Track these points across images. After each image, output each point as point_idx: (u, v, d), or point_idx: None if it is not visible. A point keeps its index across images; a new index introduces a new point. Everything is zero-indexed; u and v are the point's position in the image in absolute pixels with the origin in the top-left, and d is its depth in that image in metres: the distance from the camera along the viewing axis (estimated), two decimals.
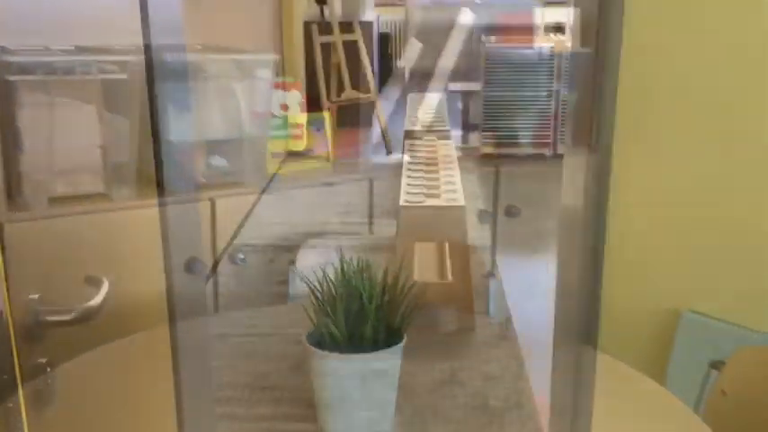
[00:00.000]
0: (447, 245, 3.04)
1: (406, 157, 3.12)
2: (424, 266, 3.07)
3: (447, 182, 2.82)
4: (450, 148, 3.30)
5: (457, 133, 5.36)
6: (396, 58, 7.62)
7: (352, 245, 3.51)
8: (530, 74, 5.04)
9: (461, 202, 2.63)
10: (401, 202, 2.63)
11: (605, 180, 1.90)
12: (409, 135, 3.67)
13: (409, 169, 2.96)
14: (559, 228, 2.47)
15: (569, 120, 2.36)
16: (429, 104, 4.33)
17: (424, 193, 2.68)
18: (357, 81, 5.36)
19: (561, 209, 2.45)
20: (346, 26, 5.59)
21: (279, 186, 4.25)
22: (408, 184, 2.79)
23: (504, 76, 5.02)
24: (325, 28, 5.39)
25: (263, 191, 4.12)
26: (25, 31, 2.81)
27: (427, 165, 3.02)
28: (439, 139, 3.49)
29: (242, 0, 3.99)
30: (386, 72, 7.41)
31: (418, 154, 3.15)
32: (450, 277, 2.93)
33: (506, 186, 5.07)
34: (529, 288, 3.36)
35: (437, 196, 2.66)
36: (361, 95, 5.30)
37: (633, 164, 1.75)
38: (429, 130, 3.69)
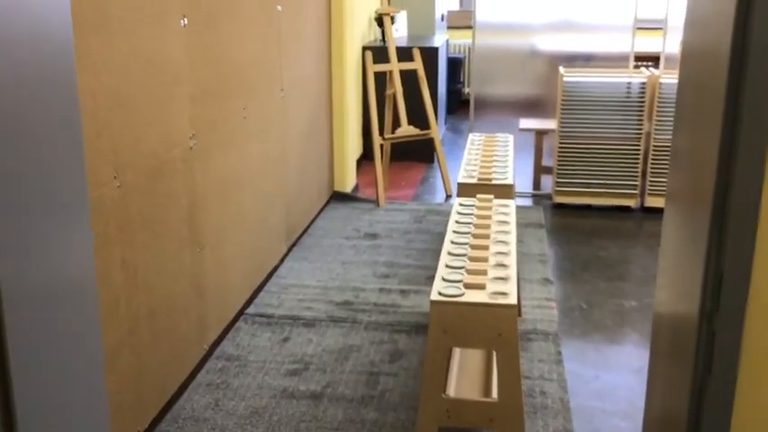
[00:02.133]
0: (492, 351, 2.36)
1: (452, 225, 2.49)
2: (463, 378, 2.42)
3: (497, 264, 2.17)
4: (509, 210, 2.65)
5: (526, 178, 4.66)
6: (466, 86, 6.96)
7: (387, 321, 2.90)
8: (614, 111, 4.31)
9: (512, 299, 1.98)
10: (433, 296, 2.00)
11: (744, 263, 1.19)
12: (462, 190, 3.02)
13: (453, 242, 2.33)
14: (655, 321, 1.77)
15: (675, 169, 1.58)
16: (492, 148, 3.67)
17: (464, 283, 2.04)
18: (415, 115, 4.74)
19: (658, 293, 1.74)
20: (405, 53, 5.02)
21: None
22: (447, 266, 2.15)
23: (583, 114, 4.32)
24: (382, 55, 4.79)
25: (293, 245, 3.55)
26: None
27: (476, 236, 2.38)
28: (497, 197, 2.84)
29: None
30: (454, 101, 6.75)
31: (467, 220, 2.51)
32: (494, 394, 2.25)
33: (582, 246, 4.07)
34: (605, 398, 2.65)
35: (481, 287, 2.02)
36: (419, 132, 4.68)
37: None
38: (487, 183, 3.03)
